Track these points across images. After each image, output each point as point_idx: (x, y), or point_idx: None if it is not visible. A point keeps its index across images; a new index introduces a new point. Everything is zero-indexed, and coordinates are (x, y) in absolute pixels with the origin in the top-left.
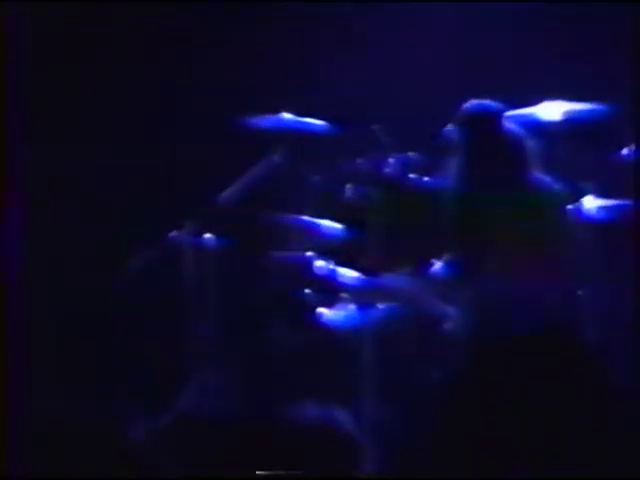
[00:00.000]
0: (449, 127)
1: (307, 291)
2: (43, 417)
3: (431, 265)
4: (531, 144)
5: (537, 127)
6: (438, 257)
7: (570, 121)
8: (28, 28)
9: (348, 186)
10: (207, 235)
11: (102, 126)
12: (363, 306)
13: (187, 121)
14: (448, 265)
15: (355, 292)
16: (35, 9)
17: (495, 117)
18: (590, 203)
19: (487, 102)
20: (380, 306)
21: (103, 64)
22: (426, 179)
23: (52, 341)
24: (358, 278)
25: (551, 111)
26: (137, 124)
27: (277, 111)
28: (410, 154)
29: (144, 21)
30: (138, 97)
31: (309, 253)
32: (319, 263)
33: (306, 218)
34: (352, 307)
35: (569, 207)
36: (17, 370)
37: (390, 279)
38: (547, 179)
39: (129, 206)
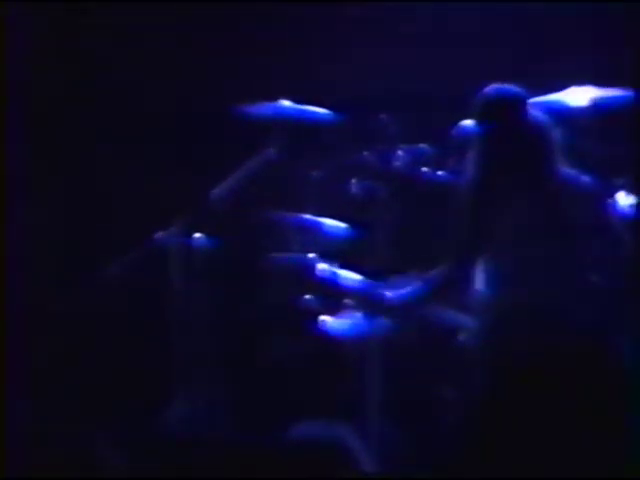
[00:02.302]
0: (467, 116)
1: (308, 297)
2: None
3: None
4: (557, 134)
5: (563, 115)
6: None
7: (599, 108)
8: (28, 28)
9: (353, 181)
10: (197, 235)
11: (93, 123)
12: (370, 313)
13: (175, 110)
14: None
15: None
16: (35, 9)
17: (518, 103)
18: (623, 200)
19: (509, 86)
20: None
21: (99, 59)
22: (440, 173)
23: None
24: (364, 283)
25: (579, 97)
26: (121, 116)
27: (275, 98)
28: (422, 146)
29: (141, 10)
30: (131, 92)
31: (310, 255)
32: (322, 266)
33: (307, 216)
34: (358, 314)
35: (600, 204)
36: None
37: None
38: (575, 173)
39: (112, 204)
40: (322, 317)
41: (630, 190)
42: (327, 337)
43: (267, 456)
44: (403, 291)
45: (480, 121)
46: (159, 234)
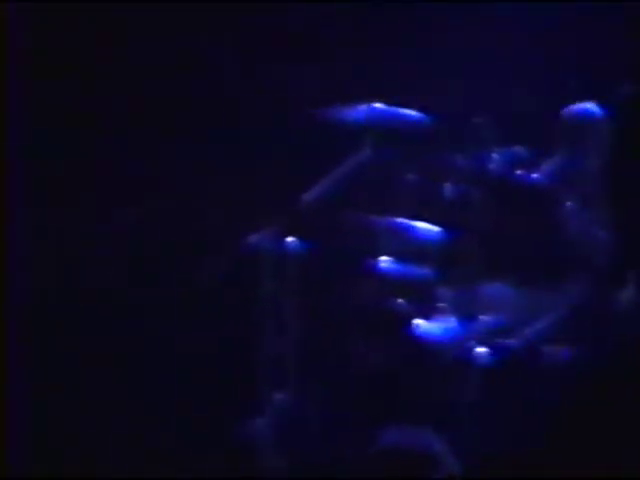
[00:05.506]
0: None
1: (400, 301)
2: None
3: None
4: None
5: None
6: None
7: None
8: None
9: (447, 184)
10: (290, 239)
11: (174, 121)
12: (464, 317)
13: (266, 112)
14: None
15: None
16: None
17: None
18: None
19: None
20: (483, 317)
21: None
22: (535, 176)
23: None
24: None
25: None
26: (211, 115)
27: (368, 100)
28: (517, 148)
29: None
30: (214, 86)
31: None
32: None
33: (400, 220)
34: (452, 318)
35: None
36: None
37: (494, 289)
38: None
39: (204, 207)
40: (415, 321)
41: None
42: (420, 341)
43: (356, 464)
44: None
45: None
46: (252, 237)
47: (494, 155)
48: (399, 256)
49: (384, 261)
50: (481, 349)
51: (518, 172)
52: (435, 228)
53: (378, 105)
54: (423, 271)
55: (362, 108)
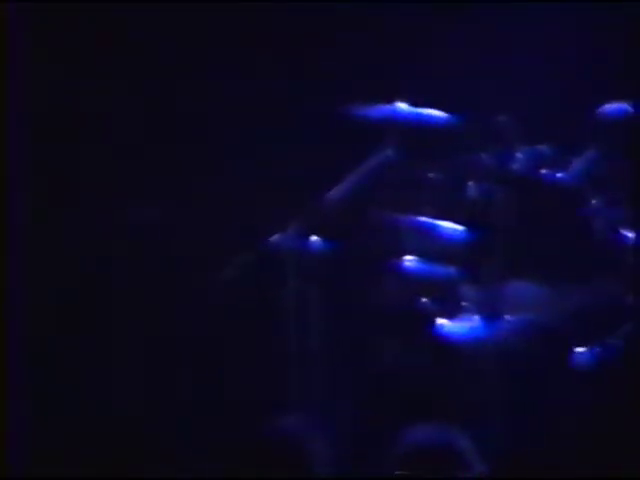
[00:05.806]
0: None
1: (424, 300)
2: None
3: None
4: None
5: None
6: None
7: None
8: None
9: (470, 183)
10: (313, 238)
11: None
12: (489, 317)
13: (290, 112)
14: None
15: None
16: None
17: None
18: None
19: None
20: (508, 317)
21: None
22: (559, 175)
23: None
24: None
25: None
26: (234, 118)
27: (391, 100)
28: (541, 147)
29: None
30: (237, 88)
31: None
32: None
33: (423, 219)
34: (476, 318)
35: None
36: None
37: (518, 287)
38: None
39: (228, 206)
40: (440, 320)
41: None
42: (445, 341)
43: (382, 461)
44: None
45: None
46: (275, 237)
47: (518, 154)
48: (423, 255)
49: (408, 260)
50: (580, 349)
51: (542, 171)
52: (459, 227)
53: (401, 105)
54: (447, 270)
55: (386, 108)
